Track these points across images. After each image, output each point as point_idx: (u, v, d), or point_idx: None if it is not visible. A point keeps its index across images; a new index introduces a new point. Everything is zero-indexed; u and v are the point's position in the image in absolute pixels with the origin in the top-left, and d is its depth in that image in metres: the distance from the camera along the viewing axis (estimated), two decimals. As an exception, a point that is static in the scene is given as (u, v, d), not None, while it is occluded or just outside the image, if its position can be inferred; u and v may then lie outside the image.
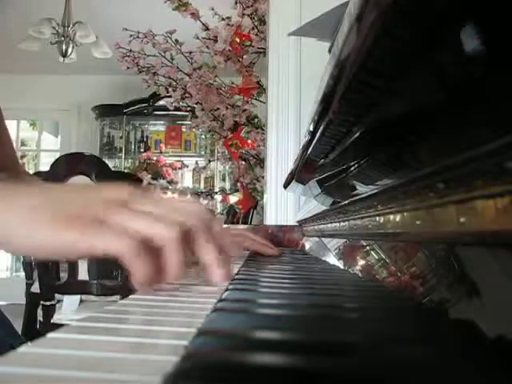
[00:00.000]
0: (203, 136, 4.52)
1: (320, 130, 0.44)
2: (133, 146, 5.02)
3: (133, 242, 0.34)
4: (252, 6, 2.04)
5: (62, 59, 3.35)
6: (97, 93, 4.89)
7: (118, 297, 1.79)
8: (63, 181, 1.65)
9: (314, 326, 0.26)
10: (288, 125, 1.50)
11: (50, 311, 1.80)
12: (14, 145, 0.85)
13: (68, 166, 1.68)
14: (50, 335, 0.22)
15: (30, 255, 0.38)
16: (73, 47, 3.33)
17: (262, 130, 2.09)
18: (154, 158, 4.74)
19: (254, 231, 0.87)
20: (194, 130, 2.79)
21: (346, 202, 0.58)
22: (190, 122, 2.55)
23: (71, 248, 0.35)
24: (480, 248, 0.26)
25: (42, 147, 5.27)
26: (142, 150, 4.94)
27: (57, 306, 1.85)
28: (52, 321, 1.79)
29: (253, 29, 2.07)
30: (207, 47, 2.21)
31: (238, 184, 2.34)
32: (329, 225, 0.78)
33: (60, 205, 0.37)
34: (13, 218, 0.36)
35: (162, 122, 5.02)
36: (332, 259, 0.71)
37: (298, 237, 1.21)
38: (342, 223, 0.66)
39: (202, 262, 0.41)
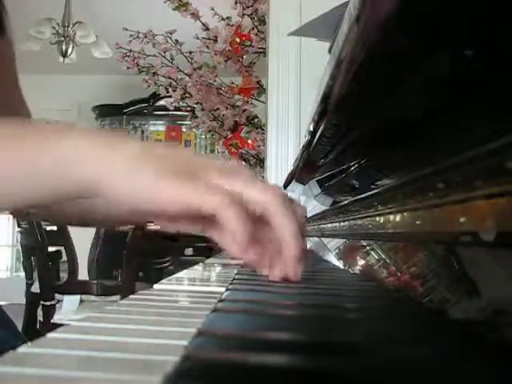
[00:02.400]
0: (203, 136, 4.52)
1: (320, 130, 0.44)
2: (133, 146, 5.02)
3: (231, 200, 0.33)
4: (252, 6, 2.04)
5: (62, 59, 3.35)
6: (97, 93, 4.89)
7: (118, 297, 1.79)
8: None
9: (314, 326, 0.26)
10: (288, 125, 1.51)
11: (50, 311, 1.80)
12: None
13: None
14: (50, 335, 0.22)
15: (125, 204, 0.37)
16: (73, 47, 3.33)
17: (262, 130, 2.09)
18: (154, 158, 4.74)
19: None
20: (193, 130, 2.80)
21: (346, 202, 0.58)
22: (189, 122, 2.55)
23: (168, 201, 0.34)
24: (480, 248, 0.26)
25: (42, 147, 5.27)
26: (142, 149, 4.93)
27: (57, 306, 1.85)
28: (52, 321, 1.79)
29: (253, 29, 2.07)
30: (207, 47, 2.21)
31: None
32: (329, 225, 0.78)
33: (163, 158, 0.36)
34: (116, 164, 0.35)
35: (161, 122, 5.02)
36: (332, 259, 0.71)
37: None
38: (341, 223, 0.66)
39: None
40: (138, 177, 0.35)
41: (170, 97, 2.43)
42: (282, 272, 0.38)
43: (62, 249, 2.08)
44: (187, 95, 2.32)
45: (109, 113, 4.91)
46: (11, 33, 0.71)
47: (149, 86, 2.45)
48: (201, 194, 0.34)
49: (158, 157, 0.36)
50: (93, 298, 1.89)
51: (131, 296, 0.37)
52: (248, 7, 2.05)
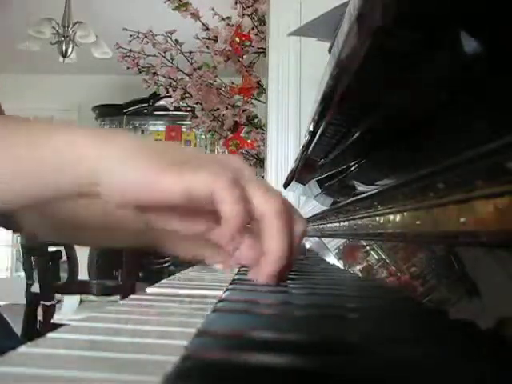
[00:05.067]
0: (203, 136, 4.52)
1: (320, 130, 0.44)
2: (133, 146, 5.03)
3: (234, 185, 0.33)
4: (252, 6, 2.04)
5: (62, 59, 3.35)
6: (97, 93, 4.89)
7: (118, 297, 1.79)
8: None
9: (313, 325, 0.26)
10: (288, 125, 1.51)
11: (49, 311, 1.80)
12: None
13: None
14: (50, 335, 0.22)
15: (124, 197, 0.35)
16: (73, 47, 3.33)
17: (262, 130, 2.09)
18: (154, 158, 4.74)
19: None
20: (194, 130, 2.80)
21: (346, 201, 0.58)
22: (189, 122, 2.55)
23: (169, 189, 0.33)
24: (480, 248, 0.26)
25: (42, 147, 5.27)
26: (142, 149, 4.94)
27: (57, 306, 1.85)
28: (52, 321, 1.79)
29: (253, 29, 2.07)
30: (207, 47, 2.21)
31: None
32: (329, 225, 0.78)
33: (163, 150, 0.36)
34: (114, 155, 0.35)
35: (161, 122, 5.02)
36: (332, 259, 0.71)
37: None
38: (341, 223, 0.66)
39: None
40: (137, 166, 0.34)
41: (170, 97, 2.43)
42: (259, 274, 0.37)
43: (61, 249, 2.08)
44: (187, 95, 2.32)
45: (109, 113, 4.91)
46: None
47: (149, 86, 2.45)
48: (202, 178, 0.33)
49: (158, 148, 0.36)
50: (93, 298, 1.89)
51: (131, 296, 0.37)
52: (248, 7, 2.05)
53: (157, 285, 0.42)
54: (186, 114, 2.57)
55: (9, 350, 0.19)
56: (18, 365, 0.18)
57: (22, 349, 0.20)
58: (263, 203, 0.34)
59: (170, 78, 2.37)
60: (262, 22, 2.01)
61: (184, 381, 0.16)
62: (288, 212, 0.36)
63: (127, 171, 0.34)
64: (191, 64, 2.33)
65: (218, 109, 2.26)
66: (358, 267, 0.54)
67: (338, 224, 0.69)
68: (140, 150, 0.35)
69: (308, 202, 1.02)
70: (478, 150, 0.23)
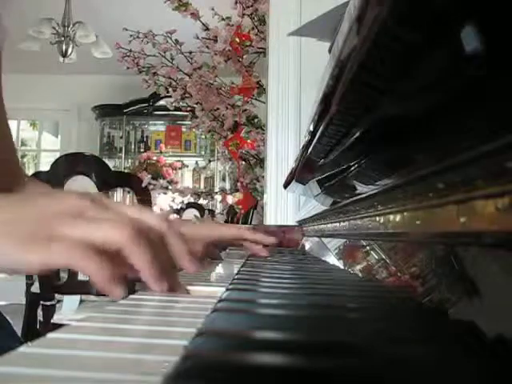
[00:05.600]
0: (203, 136, 4.51)
1: (320, 130, 0.44)
2: (133, 146, 5.02)
3: (84, 252, 0.35)
4: (252, 6, 2.04)
5: (62, 59, 3.35)
6: (97, 93, 4.89)
7: (118, 297, 1.79)
8: (63, 181, 1.65)
9: (314, 326, 0.26)
10: (288, 125, 1.51)
11: (49, 311, 1.80)
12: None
13: (68, 166, 1.68)
14: (50, 335, 0.22)
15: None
16: (73, 47, 3.33)
17: (262, 130, 2.09)
18: (154, 158, 4.74)
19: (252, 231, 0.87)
20: (194, 130, 2.79)
21: (346, 201, 0.58)
22: (190, 122, 2.55)
23: (30, 265, 0.36)
24: (480, 248, 0.26)
25: (42, 147, 5.27)
26: (142, 149, 4.94)
27: (57, 306, 1.85)
28: (52, 321, 1.79)
29: (253, 29, 2.07)
30: (207, 47, 2.21)
31: (238, 184, 2.34)
32: (329, 225, 0.78)
33: (21, 223, 0.38)
34: None
35: (161, 122, 5.02)
36: (332, 259, 0.71)
37: (298, 237, 1.21)
38: (341, 223, 0.66)
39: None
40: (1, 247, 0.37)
41: (170, 97, 2.43)
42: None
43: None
44: (187, 95, 2.31)
45: (109, 113, 4.91)
46: (3, 34, 0.71)
47: (149, 86, 2.45)
48: (58, 253, 0.35)
49: (16, 222, 0.38)
50: (93, 297, 1.89)
51: (131, 296, 0.37)
52: (248, 7, 2.05)
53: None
54: (186, 114, 2.57)
55: (9, 350, 0.19)
56: (18, 365, 0.18)
57: (22, 349, 0.20)
58: (113, 237, 0.37)
59: (169, 77, 2.37)
60: (262, 22, 2.01)
61: (184, 381, 0.16)
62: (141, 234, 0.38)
63: None
64: (191, 64, 2.33)
65: (218, 109, 2.26)
66: (358, 267, 0.54)
67: (337, 224, 0.69)
68: (5, 225, 0.37)
69: (308, 202, 1.02)
70: (478, 150, 0.23)
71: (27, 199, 0.41)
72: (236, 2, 2.06)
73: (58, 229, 0.37)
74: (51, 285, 1.75)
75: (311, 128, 0.47)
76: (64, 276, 1.74)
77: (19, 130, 5.19)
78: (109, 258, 0.36)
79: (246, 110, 2.19)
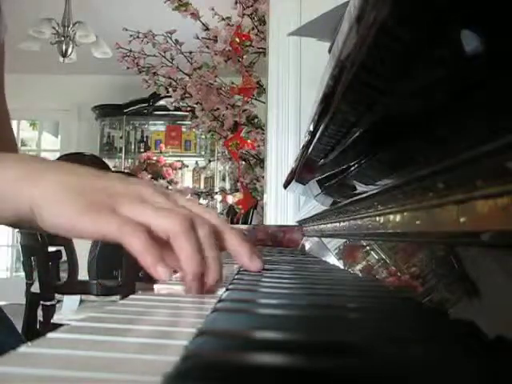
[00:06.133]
0: (203, 136, 4.51)
1: (320, 130, 0.44)
2: (133, 146, 5.02)
3: (139, 233, 0.37)
4: (252, 6, 2.04)
5: (62, 59, 3.35)
6: (97, 93, 4.89)
7: (118, 297, 1.79)
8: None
9: (314, 325, 0.26)
10: (288, 125, 1.51)
11: (50, 311, 1.80)
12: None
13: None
14: (50, 335, 0.22)
15: (51, 229, 0.42)
16: (73, 47, 3.33)
17: (262, 130, 2.09)
18: (154, 158, 4.74)
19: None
20: (194, 130, 2.79)
21: (346, 201, 0.58)
22: (189, 122, 2.55)
23: (85, 232, 0.39)
24: (480, 248, 0.26)
25: (42, 147, 5.27)
26: (142, 150, 4.93)
27: (57, 306, 1.85)
28: (52, 321, 1.79)
29: (253, 29, 2.07)
30: (207, 47, 2.21)
31: (238, 184, 2.34)
32: (329, 225, 0.78)
33: (82, 189, 0.40)
34: (41, 193, 0.40)
35: (161, 122, 5.01)
36: (332, 259, 0.71)
37: (298, 237, 1.21)
38: (341, 223, 0.66)
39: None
40: (60, 209, 0.39)
41: (170, 97, 2.43)
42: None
43: (62, 249, 2.08)
44: (187, 95, 2.32)
45: (109, 113, 4.91)
46: (4, 33, 0.71)
47: (149, 86, 2.45)
48: (113, 226, 0.37)
49: (82, 188, 0.41)
50: (93, 297, 1.89)
51: (131, 296, 0.37)
52: (248, 7, 2.05)
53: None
54: (186, 114, 2.57)
55: (11, 348, 0.19)
56: (18, 365, 0.18)
57: (22, 349, 0.20)
58: (166, 223, 0.38)
59: (169, 77, 2.37)
60: (262, 22, 2.01)
61: (184, 381, 0.16)
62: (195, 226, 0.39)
63: (53, 213, 0.40)
64: (191, 64, 2.33)
65: (218, 109, 2.26)
66: (358, 267, 0.54)
67: (337, 224, 0.69)
68: (65, 192, 0.40)
69: (308, 202, 1.02)
70: (478, 150, 0.23)
71: (98, 175, 0.43)
72: (236, 2, 2.06)
73: (118, 206, 0.39)
74: (51, 285, 1.75)
75: (311, 128, 0.47)
76: (64, 276, 1.74)
77: (19, 130, 5.19)
78: (158, 243, 0.37)
79: (245, 109, 2.19)
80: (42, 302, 1.82)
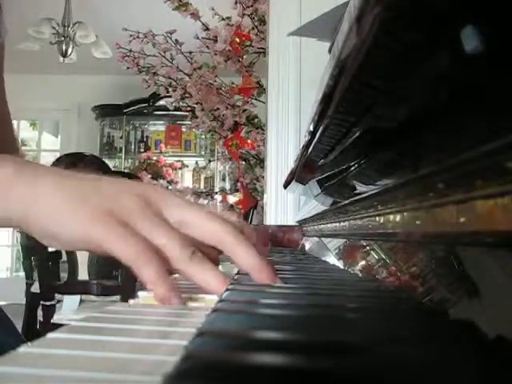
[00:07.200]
0: (203, 136, 4.51)
1: (320, 130, 0.44)
2: (133, 146, 5.02)
3: (143, 252, 0.35)
4: (252, 6, 2.04)
5: (62, 59, 3.35)
6: (97, 93, 4.89)
7: (118, 297, 1.79)
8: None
9: (314, 326, 0.26)
10: (288, 125, 1.50)
11: (50, 311, 1.80)
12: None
13: (68, 166, 1.68)
14: (50, 335, 0.22)
15: (57, 244, 0.40)
16: (73, 47, 3.33)
17: (262, 130, 2.09)
18: (154, 158, 4.74)
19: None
20: (194, 130, 2.79)
21: (346, 202, 0.58)
22: (190, 122, 2.55)
23: (93, 246, 0.37)
24: (480, 248, 0.26)
25: (42, 147, 5.27)
26: (142, 149, 4.94)
27: (57, 306, 1.85)
28: (52, 321, 1.79)
29: (253, 29, 2.07)
30: (207, 47, 2.21)
31: (238, 184, 2.34)
32: (329, 225, 0.78)
33: (97, 198, 0.38)
34: (39, 200, 0.38)
35: (161, 122, 5.02)
36: (332, 259, 0.71)
37: (298, 237, 1.21)
38: (341, 223, 0.66)
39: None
40: (71, 220, 0.37)
41: (170, 97, 2.43)
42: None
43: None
44: (187, 95, 2.32)
45: (109, 113, 4.91)
46: (4, 33, 0.71)
47: (149, 86, 2.45)
48: (118, 245, 0.36)
49: (93, 197, 0.38)
50: (93, 297, 1.89)
51: (131, 301, 0.37)
52: (248, 7, 2.05)
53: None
54: (186, 114, 2.57)
55: (11, 348, 0.19)
56: (18, 365, 0.18)
57: (22, 349, 0.20)
58: (174, 250, 0.37)
59: (169, 77, 2.37)
60: (262, 22, 2.01)
61: (184, 381, 0.16)
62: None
63: (66, 223, 0.37)
64: (191, 64, 2.33)
65: (218, 109, 2.26)
66: (358, 267, 0.54)
67: (337, 224, 0.69)
68: (66, 200, 0.38)
69: (308, 202, 1.02)
70: (478, 150, 0.23)
71: (101, 183, 0.41)
72: (236, 2, 2.06)
73: (131, 221, 0.37)
74: (51, 285, 1.75)
75: (311, 128, 0.47)
76: (64, 276, 1.74)
77: (19, 130, 5.19)
78: (159, 257, 0.36)
79: (245, 109, 2.19)
80: (42, 302, 1.82)
